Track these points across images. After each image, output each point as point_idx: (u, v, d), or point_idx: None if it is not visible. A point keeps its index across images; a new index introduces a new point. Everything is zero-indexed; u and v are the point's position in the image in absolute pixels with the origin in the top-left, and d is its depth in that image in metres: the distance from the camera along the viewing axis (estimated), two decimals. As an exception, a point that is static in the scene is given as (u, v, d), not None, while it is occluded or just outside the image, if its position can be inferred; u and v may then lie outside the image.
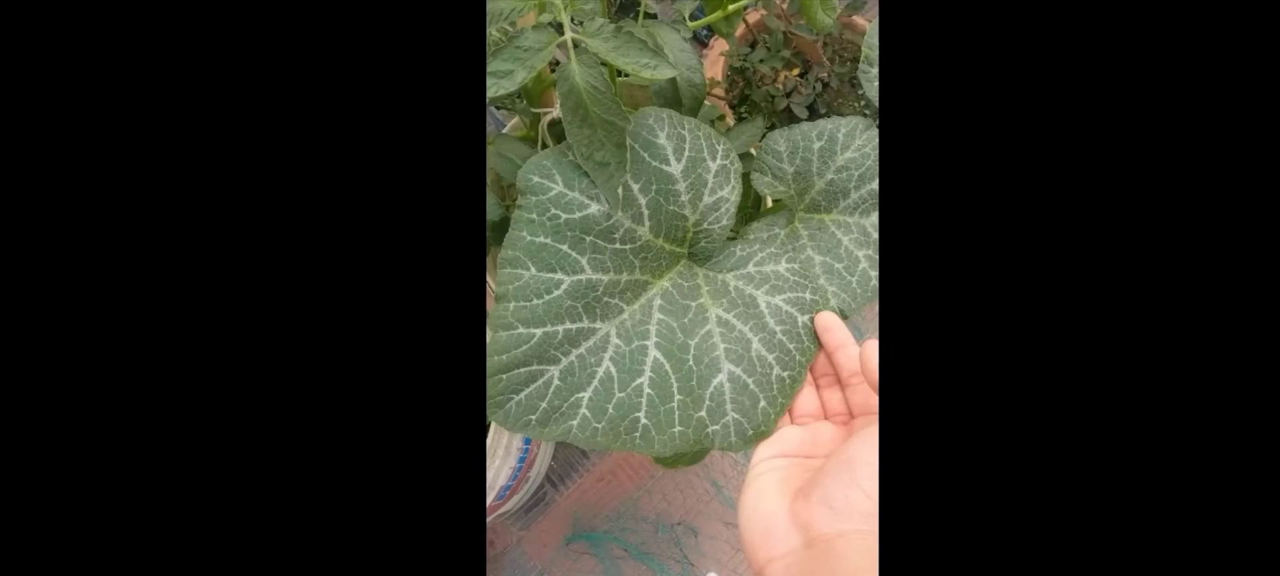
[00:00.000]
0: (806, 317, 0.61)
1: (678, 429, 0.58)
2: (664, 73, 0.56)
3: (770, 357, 0.60)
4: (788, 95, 1.10)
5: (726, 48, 1.16)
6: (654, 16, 0.77)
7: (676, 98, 0.69)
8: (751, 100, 1.14)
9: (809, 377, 0.61)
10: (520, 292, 0.58)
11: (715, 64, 1.19)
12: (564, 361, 0.58)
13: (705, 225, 0.63)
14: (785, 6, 1.09)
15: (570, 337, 0.59)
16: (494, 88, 0.54)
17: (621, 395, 0.58)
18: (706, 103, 0.77)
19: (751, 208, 0.84)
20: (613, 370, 0.59)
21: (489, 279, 0.88)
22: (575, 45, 0.56)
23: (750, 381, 0.59)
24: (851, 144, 0.65)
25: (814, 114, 1.11)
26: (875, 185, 0.64)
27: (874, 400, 0.56)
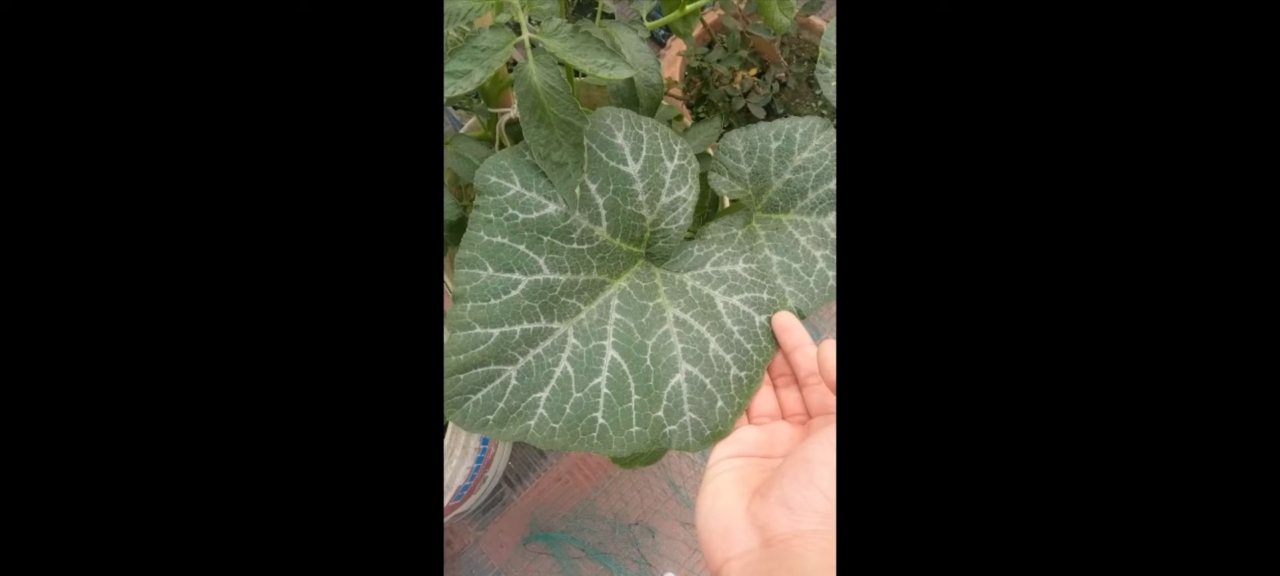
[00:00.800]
0: (764, 317, 0.61)
1: (635, 429, 0.58)
2: (621, 73, 0.56)
3: (727, 357, 0.60)
4: (745, 95, 1.10)
5: (684, 47, 1.17)
6: (611, 16, 0.77)
7: (634, 97, 0.69)
8: (709, 100, 1.14)
9: (766, 377, 0.61)
10: (477, 292, 0.57)
11: (672, 64, 1.19)
12: (521, 361, 0.58)
13: (662, 225, 0.63)
14: (743, 6, 1.10)
15: (527, 337, 0.58)
16: (451, 88, 0.53)
17: (579, 395, 0.58)
18: (664, 102, 0.77)
19: (709, 208, 0.84)
20: (570, 370, 0.59)
21: (446, 279, 0.88)
22: (532, 45, 0.56)
23: (707, 381, 0.59)
24: (809, 144, 0.66)
25: (771, 114, 1.12)
26: (832, 185, 0.65)
27: (831, 400, 0.56)
